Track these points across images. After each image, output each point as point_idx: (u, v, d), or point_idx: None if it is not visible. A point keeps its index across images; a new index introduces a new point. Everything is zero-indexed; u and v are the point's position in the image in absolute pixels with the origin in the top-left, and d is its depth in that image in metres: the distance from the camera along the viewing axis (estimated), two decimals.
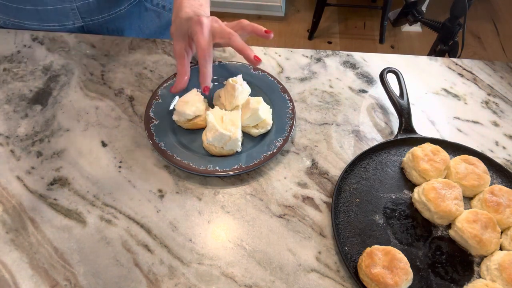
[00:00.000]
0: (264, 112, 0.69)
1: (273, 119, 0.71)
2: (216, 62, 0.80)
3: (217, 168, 0.65)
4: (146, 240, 0.60)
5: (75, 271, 0.57)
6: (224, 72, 0.79)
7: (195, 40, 0.66)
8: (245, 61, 0.81)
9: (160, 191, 0.65)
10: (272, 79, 0.77)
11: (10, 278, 0.56)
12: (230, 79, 0.70)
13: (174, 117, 0.70)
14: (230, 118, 0.67)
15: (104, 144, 0.70)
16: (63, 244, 0.59)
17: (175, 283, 0.56)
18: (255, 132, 0.69)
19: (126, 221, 0.62)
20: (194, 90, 0.72)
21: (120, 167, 0.68)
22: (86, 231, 0.60)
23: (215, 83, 0.78)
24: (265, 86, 0.76)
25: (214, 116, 0.67)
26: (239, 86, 0.70)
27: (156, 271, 0.57)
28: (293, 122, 0.70)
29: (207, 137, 0.66)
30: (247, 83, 0.73)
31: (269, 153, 0.66)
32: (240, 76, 0.72)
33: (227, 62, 0.80)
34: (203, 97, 0.71)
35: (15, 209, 0.62)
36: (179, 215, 0.63)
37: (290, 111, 0.72)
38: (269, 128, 0.70)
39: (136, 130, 0.72)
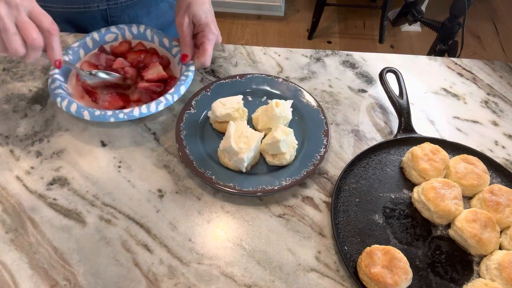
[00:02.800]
0: (286, 146, 0.65)
1: (297, 156, 0.68)
2: (280, 79, 0.78)
3: (213, 177, 0.64)
4: (145, 240, 0.60)
5: (74, 270, 0.57)
6: (277, 90, 0.77)
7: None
8: (305, 87, 0.79)
9: (159, 190, 0.65)
10: (323, 117, 0.72)
11: (10, 278, 0.56)
12: (274, 101, 0.68)
13: (209, 113, 0.71)
14: (248, 137, 0.64)
15: (103, 144, 0.70)
16: (63, 244, 0.59)
17: (174, 282, 0.56)
18: (270, 161, 0.66)
19: (125, 221, 0.62)
20: (239, 97, 0.70)
21: (119, 167, 0.68)
22: (85, 231, 0.60)
23: (262, 99, 0.77)
24: (310, 121, 0.72)
25: (236, 128, 0.64)
26: (278, 111, 0.67)
27: (155, 270, 0.57)
28: (313, 170, 0.65)
29: (220, 145, 0.66)
30: (294, 108, 0.71)
31: (269, 187, 0.63)
32: (288, 102, 0.70)
33: (288, 83, 0.78)
34: (242, 105, 0.70)
35: (15, 209, 0.62)
36: (178, 215, 0.63)
37: (318, 156, 0.67)
38: (284, 163, 0.66)
39: (135, 130, 0.72)
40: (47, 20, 0.59)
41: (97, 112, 0.66)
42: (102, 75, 0.73)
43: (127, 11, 0.90)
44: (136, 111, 0.67)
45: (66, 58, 0.74)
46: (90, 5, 0.86)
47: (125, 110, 0.67)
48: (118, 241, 0.59)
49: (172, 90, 0.70)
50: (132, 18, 0.92)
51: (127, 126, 0.73)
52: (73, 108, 0.67)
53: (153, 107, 0.68)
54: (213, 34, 0.75)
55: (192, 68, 0.74)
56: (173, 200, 0.64)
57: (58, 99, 0.68)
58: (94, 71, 0.72)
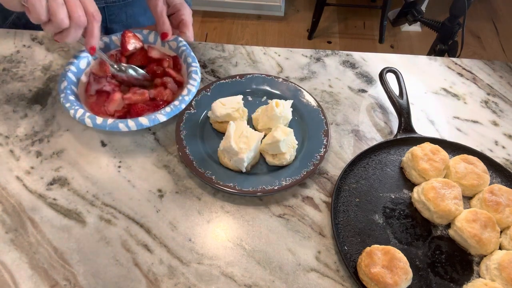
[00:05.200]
0: (286, 146, 0.65)
1: (297, 156, 0.68)
2: (280, 79, 0.78)
3: (213, 177, 0.64)
4: (145, 240, 0.60)
5: (74, 271, 0.57)
6: (277, 90, 0.77)
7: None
8: (305, 87, 0.79)
9: (159, 190, 0.65)
10: (323, 117, 0.72)
11: (10, 278, 0.56)
12: (274, 101, 0.68)
13: (209, 113, 0.71)
14: (248, 137, 0.64)
15: (103, 144, 0.70)
16: (63, 244, 0.59)
17: (174, 282, 0.56)
18: (270, 161, 0.66)
19: (125, 221, 0.62)
20: (239, 97, 0.70)
21: (119, 167, 0.68)
22: (85, 231, 0.60)
23: (262, 99, 0.77)
24: (310, 121, 0.72)
25: (236, 128, 0.64)
26: (278, 111, 0.67)
27: (155, 270, 0.57)
28: (313, 170, 0.65)
29: (220, 145, 0.66)
30: (294, 108, 0.71)
31: (269, 187, 0.63)
32: (288, 102, 0.69)
33: (288, 83, 0.77)
34: (242, 105, 0.70)
35: (15, 209, 0.62)
36: (178, 215, 0.63)
37: (318, 156, 0.67)
38: (284, 163, 0.66)
39: (135, 130, 0.72)
40: (93, 6, 0.61)
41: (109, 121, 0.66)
42: (131, 72, 0.73)
43: (124, 9, 0.91)
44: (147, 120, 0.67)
45: (103, 54, 0.72)
46: None
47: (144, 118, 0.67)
48: (118, 241, 0.59)
49: (176, 102, 0.69)
50: (129, 16, 0.92)
51: None
52: (99, 121, 0.66)
53: (162, 117, 0.67)
54: (189, 11, 0.77)
55: (197, 79, 0.73)
56: (173, 200, 0.64)
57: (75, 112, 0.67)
58: (124, 66, 0.73)
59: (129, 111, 0.70)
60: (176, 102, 0.69)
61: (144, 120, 0.66)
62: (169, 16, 0.78)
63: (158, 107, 0.70)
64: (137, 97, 0.70)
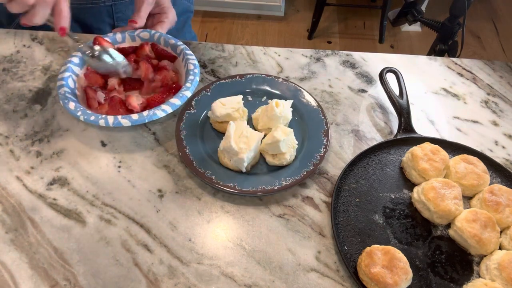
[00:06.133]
0: (286, 146, 0.65)
1: (297, 156, 0.68)
2: (280, 79, 0.78)
3: (213, 177, 0.64)
4: (145, 240, 0.60)
5: (74, 271, 0.57)
6: (277, 90, 0.77)
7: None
8: (305, 87, 0.80)
9: (159, 190, 0.65)
10: (322, 117, 0.72)
11: (10, 278, 0.56)
12: (274, 101, 0.68)
13: (209, 113, 0.72)
14: (248, 137, 0.64)
15: (103, 144, 0.70)
16: (63, 244, 0.59)
17: (174, 282, 0.56)
18: (270, 161, 0.66)
19: (125, 221, 0.62)
20: (239, 97, 0.70)
21: (119, 167, 0.68)
22: (85, 231, 0.60)
23: (262, 99, 0.77)
24: (310, 121, 0.72)
25: (235, 128, 0.64)
26: (278, 111, 0.67)
27: (155, 270, 0.57)
28: (313, 170, 0.65)
29: (220, 145, 0.66)
30: (294, 108, 0.71)
31: (269, 187, 0.63)
32: (288, 102, 0.70)
33: (288, 83, 0.77)
34: (242, 105, 0.70)
35: (15, 209, 0.62)
36: (178, 215, 0.63)
37: (318, 156, 0.67)
38: (284, 163, 0.66)
39: (135, 130, 0.72)
40: None
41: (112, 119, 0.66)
42: (106, 58, 0.70)
43: (131, 7, 0.91)
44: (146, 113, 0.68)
45: (75, 36, 0.69)
46: (97, 1, 0.86)
47: (138, 115, 0.67)
48: (118, 241, 0.59)
49: (191, 77, 0.72)
50: None
51: (127, 126, 0.72)
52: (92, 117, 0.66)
53: (160, 112, 0.68)
54: (174, 16, 0.81)
55: (197, 74, 0.74)
56: (173, 200, 0.64)
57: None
58: (97, 50, 0.69)
59: (146, 107, 0.72)
60: (191, 77, 0.72)
61: (176, 100, 0.69)
62: (153, 14, 0.80)
63: (174, 90, 0.73)
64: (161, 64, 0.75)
